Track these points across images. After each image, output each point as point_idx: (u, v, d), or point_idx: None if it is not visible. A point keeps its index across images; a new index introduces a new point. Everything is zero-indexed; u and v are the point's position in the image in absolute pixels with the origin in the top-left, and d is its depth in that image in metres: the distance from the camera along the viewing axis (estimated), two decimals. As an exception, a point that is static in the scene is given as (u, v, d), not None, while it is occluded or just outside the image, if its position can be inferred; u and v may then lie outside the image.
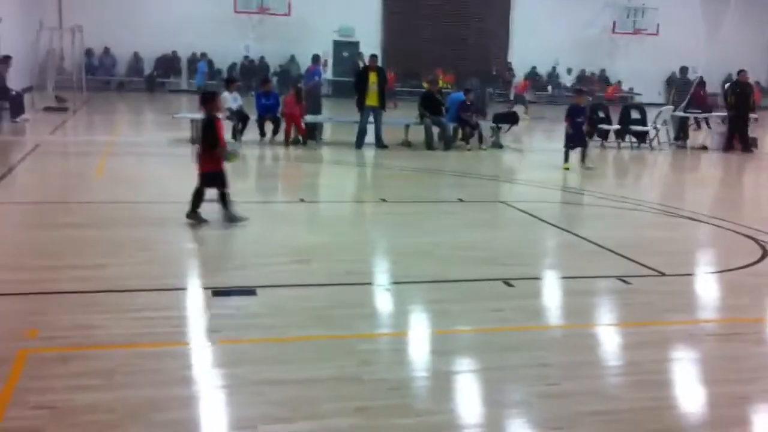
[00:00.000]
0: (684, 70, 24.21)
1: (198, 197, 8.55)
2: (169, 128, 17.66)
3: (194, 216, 8.52)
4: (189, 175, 8.90)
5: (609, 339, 5.76)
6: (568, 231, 9.08)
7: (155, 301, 6.01)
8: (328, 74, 24.94)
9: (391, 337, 5.52)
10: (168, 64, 31.56)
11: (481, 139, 16.92)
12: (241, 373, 4.67)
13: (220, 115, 8.93)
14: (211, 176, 8.53)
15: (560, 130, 15.51)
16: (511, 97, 26.89)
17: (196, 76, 28.07)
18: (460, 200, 11.11)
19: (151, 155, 14.61)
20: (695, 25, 32.39)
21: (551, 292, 6.96)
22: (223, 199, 8.58)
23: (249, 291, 6.26)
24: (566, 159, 14.32)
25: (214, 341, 5.21)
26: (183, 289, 6.42)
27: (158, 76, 31.42)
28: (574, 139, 14.38)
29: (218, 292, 6.23)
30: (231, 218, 8.57)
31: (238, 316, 5.70)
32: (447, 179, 13.40)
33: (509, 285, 6.75)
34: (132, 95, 29.89)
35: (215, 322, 5.57)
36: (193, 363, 4.88)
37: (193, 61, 30.79)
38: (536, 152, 18.11)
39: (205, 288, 6.45)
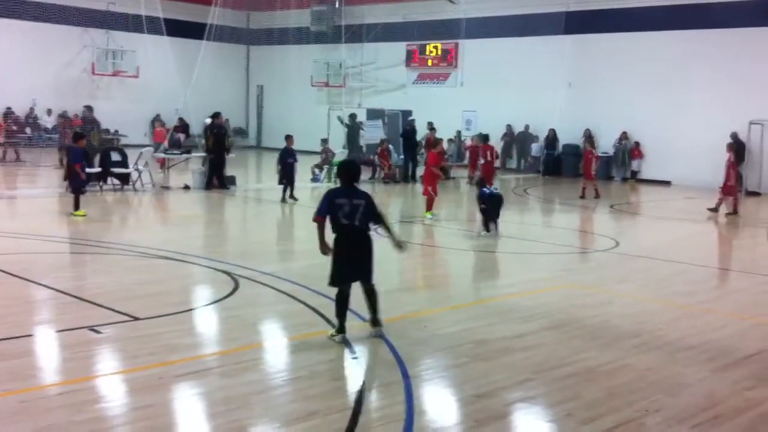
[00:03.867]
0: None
1: None
2: None
3: None
4: None
5: (92, 396, 5.35)
6: (36, 283, 8.44)
7: None
8: None
9: None
10: None
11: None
12: None
13: None
14: None
15: (41, 174, 14.49)
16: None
17: None
18: None
19: None
20: (173, 68, 33.36)
21: (20, 354, 6.27)
22: None
23: None
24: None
25: None
26: None
27: None
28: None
29: None
30: None
31: None
32: None
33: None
34: None
35: None
36: None
37: None
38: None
39: None
